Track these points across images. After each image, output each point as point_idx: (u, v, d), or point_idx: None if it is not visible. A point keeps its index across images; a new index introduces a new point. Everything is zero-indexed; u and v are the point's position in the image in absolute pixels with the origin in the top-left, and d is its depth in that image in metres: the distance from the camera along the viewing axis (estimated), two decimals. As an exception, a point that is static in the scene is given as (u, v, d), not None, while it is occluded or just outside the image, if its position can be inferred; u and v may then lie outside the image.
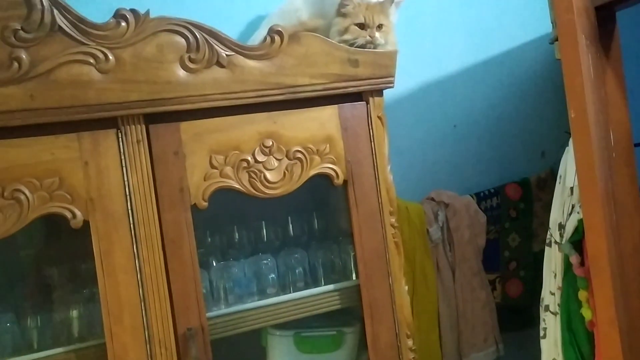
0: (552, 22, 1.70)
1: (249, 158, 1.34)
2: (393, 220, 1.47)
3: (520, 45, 2.17)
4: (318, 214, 1.68)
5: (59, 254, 1.50)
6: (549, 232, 1.62)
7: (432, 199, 1.98)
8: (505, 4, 2.17)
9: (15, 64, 1.14)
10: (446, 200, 1.96)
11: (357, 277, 1.47)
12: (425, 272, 1.90)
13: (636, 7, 2.25)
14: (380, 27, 1.45)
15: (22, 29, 1.14)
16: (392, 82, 1.45)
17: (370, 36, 1.43)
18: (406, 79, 1.98)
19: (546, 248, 1.66)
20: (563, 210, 1.58)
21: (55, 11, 1.16)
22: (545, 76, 2.17)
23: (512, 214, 2.10)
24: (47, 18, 1.16)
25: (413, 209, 1.91)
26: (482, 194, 2.06)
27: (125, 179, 1.24)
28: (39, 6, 1.15)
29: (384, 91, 1.48)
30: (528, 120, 2.21)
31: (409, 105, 2.04)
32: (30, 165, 1.18)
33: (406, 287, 1.50)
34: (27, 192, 1.18)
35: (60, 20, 1.17)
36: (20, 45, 1.15)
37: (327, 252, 1.58)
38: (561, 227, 1.57)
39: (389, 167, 1.47)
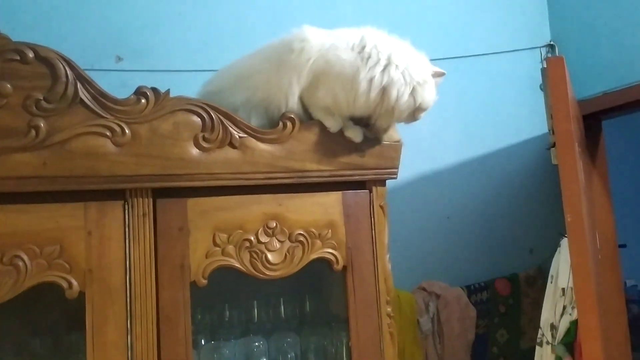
0: (549, 129, 1.79)
1: (252, 238, 1.34)
2: (389, 309, 1.46)
3: (514, 144, 2.27)
4: (310, 297, 1.67)
5: (42, 323, 1.46)
6: (540, 332, 1.63)
7: (424, 289, 1.98)
8: (497, 105, 2.28)
9: (33, 132, 1.16)
10: (438, 291, 1.97)
11: (349, 366, 1.45)
12: (415, 364, 1.87)
13: (620, 119, 2.39)
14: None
15: (45, 99, 1.17)
16: (395, 173, 1.50)
17: None
18: (402, 170, 2.03)
19: (537, 347, 1.66)
20: (555, 310, 1.60)
21: (79, 85, 1.20)
22: (537, 176, 2.26)
23: (502, 309, 2.11)
24: (70, 90, 1.19)
25: (404, 298, 1.91)
26: (472, 286, 2.07)
27: (127, 251, 1.23)
28: (64, 79, 1.18)
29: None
30: (518, 217, 2.27)
31: (404, 196, 2.09)
32: (33, 232, 1.17)
33: (398, 380, 1.47)
34: (26, 258, 1.15)
35: (83, 94, 1.20)
36: (40, 115, 1.17)
37: (320, 337, 1.56)
38: (553, 327, 1.58)
39: (388, 256, 1.48)
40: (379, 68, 1.34)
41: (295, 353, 1.50)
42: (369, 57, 1.35)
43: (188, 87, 1.50)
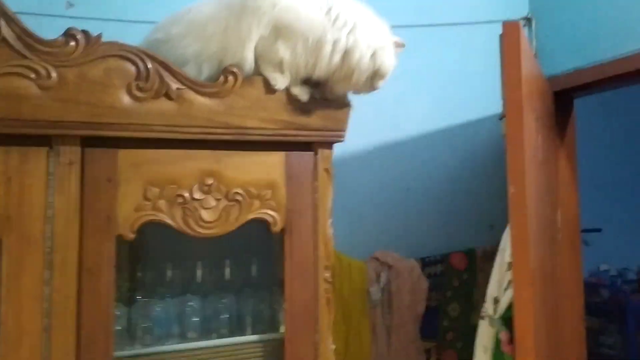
0: (502, 99, 1.75)
1: (186, 194, 1.30)
2: (327, 275, 1.43)
3: (478, 118, 2.22)
4: (255, 260, 1.63)
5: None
6: (484, 306, 1.61)
7: (377, 259, 1.96)
8: (468, 78, 2.23)
9: (-52, 69, 1.10)
10: (390, 262, 1.94)
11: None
12: (361, 333, 1.85)
13: (594, 97, 2.35)
14: None
15: (-37, 34, 1.11)
16: (342, 137, 1.45)
17: None
18: (363, 137, 1.99)
19: (480, 321, 1.64)
20: (500, 284, 1.58)
21: (2, 21, 1.13)
22: (497, 151, 2.22)
23: (455, 283, 2.09)
24: (-8, 27, 1.13)
25: (355, 267, 1.88)
26: (427, 259, 2.05)
27: (50, 200, 1.18)
28: (-15, 14, 1.12)
29: (336, 145, 1.47)
30: (479, 192, 2.24)
31: (363, 163, 2.05)
32: (-52, 174, 1.12)
33: (334, 347, 1.45)
34: (-61, 201, 1.11)
35: (6, 31, 1.14)
36: (-43, 50, 1.11)
37: (259, 300, 1.53)
38: (496, 301, 1.56)
39: (330, 221, 1.44)
40: (345, 31, 1.31)
41: (230, 314, 1.47)
42: (337, 18, 1.32)
43: (141, 39, 1.44)
